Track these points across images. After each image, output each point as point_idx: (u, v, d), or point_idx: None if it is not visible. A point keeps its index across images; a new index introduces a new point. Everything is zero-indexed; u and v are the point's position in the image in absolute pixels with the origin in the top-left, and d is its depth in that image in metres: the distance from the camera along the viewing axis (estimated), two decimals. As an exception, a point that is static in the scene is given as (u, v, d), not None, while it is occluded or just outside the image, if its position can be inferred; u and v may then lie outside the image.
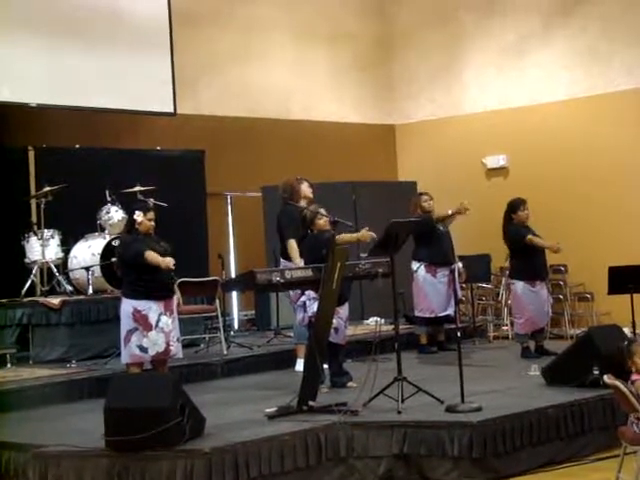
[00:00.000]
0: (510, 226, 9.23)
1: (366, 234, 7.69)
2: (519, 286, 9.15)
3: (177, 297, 7.42)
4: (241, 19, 12.42)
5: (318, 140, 12.71)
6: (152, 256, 7.06)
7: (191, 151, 11.55)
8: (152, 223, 7.31)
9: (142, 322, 7.09)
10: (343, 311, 7.61)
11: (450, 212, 9.62)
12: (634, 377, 5.23)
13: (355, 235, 7.76)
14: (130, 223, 7.35)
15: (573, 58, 12.24)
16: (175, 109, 11.27)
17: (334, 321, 7.17)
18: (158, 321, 7.13)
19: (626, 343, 5.39)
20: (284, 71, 12.78)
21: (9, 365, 8.83)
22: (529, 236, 9.06)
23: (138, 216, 7.25)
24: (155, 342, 7.11)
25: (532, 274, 9.11)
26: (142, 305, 7.10)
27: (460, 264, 9.38)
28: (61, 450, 5.99)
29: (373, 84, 13.78)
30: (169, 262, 7.02)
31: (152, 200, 9.66)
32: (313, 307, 7.22)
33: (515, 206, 9.25)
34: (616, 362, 5.43)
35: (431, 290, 9.59)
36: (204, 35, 11.99)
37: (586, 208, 11.84)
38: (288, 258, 8.41)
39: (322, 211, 7.77)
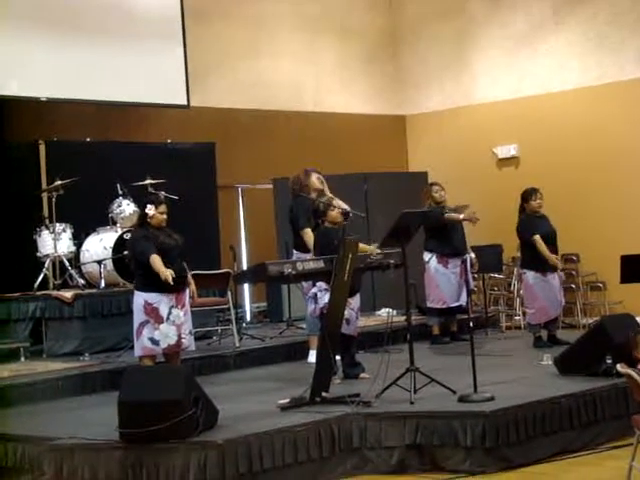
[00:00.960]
0: (521, 216, 9.21)
1: (373, 250, 7.52)
2: (530, 276, 9.13)
3: (192, 289, 7.41)
4: (251, 12, 12.41)
5: (329, 132, 12.70)
6: (155, 262, 7.04)
7: (202, 144, 11.55)
8: (164, 216, 7.32)
9: (153, 315, 7.11)
10: (354, 302, 7.61)
11: (461, 217, 9.55)
12: None
13: (370, 247, 7.58)
14: (142, 217, 7.36)
15: (583, 46, 12.18)
16: (189, 102, 11.28)
17: (345, 312, 7.17)
18: (169, 314, 7.14)
19: (633, 333, 5.37)
20: (294, 63, 12.77)
21: (23, 359, 8.88)
22: (536, 236, 9.02)
23: (150, 210, 7.26)
24: (166, 335, 7.13)
25: (543, 264, 9.08)
26: (153, 298, 7.12)
27: (472, 254, 9.36)
28: (75, 443, 6.02)
29: (383, 75, 13.76)
30: (168, 276, 7.00)
31: (163, 193, 9.66)
32: (324, 298, 7.22)
33: (527, 195, 9.23)
34: (627, 351, 5.42)
35: (443, 281, 9.58)
36: (215, 28, 11.99)
37: (597, 197, 11.81)
38: (301, 250, 8.41)
39: (335, 202, 7.76)
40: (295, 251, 8.62)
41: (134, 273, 7.43)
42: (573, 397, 6.59)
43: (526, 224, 9.14)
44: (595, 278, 11.78)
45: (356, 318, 7.74)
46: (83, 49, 10.42)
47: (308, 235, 8.31)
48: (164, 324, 7.12)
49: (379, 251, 7.44)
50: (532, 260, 9.13)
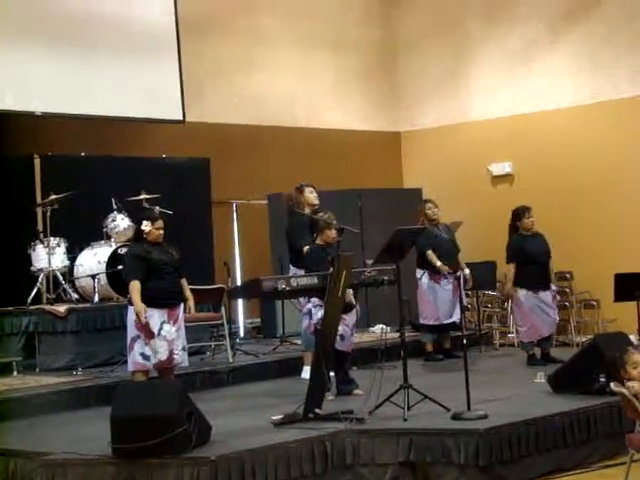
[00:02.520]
0: (512, 236, 9.24)
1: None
2: (522, 294, 9.15)
3: (189, 305, 7.40)
4: (246, 28, 12.44)
5: (323, 148, 12.71)
6: (133, 290, 7.08)
7: (196, 159, 11.56)
8: (160, 232, 7.33)
9: (144, 330, 7.11)
10: (350, 318, 7.61)
11: (438, 264, 9.48)
12: (628, 385, 5.21)
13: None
14: (138, 232, 7.37)
15: (578, 65, 12.23)
16: (184, 117, 11.29)
17: (340, 328, 7.17)
18: (160, 329, 7.14)
19: (618, 353, 5.36)
20: (289, 79, 12.80)
21: (15, 373, 8.85)
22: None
23: (146, 226, 7.28)
24: (157, 350, 7.13)
25: (535, 282, 9.10)
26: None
27: (467, 270, 9.37)
28: (68, 458, 6.00)
29: (378, 91, 13.79)
30: (141, 311, 7.01)
31: (158, 208, 9.68)
32: (318, 314, 7.22)
33: (519, 214, 9.25)
34: (614, 371, 5.41)
35: (435, 297, 9.60)
36: (209, 44, 12.01)
37: (592, 215, 11.83)
38: (297, 265, 8.41)
39: (330, 219, 7.76)
40: (291, 266, 8.62)
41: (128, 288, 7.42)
42: (567, 415, 6.59)
43: (514, 244, 9.17)
44: (589, 296, 11.78)
45: (351, 334, 7.74)
46: (78, 63, 10.43)
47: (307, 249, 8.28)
48: (154, 339, 7.12)
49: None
50: (523, 278, 9.14)
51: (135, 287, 7.09)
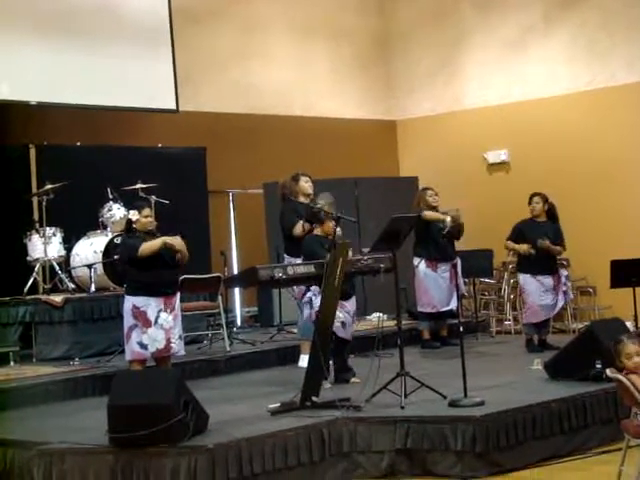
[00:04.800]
0: (519, 221, 9.29)
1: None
2: (527, 279, 9.19)
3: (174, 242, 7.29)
4: (241, 16, 12.42)
5: (319, 136, 12.70)
6: (147, 246, 7.06)
7: (192, 148, 11.55)
8: (149, 219, 7.32)
9: (141, 319, 7.12)
10: (350, 305, 7.62)
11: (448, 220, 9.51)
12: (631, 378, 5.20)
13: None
14: (128, 223, 7.37)
15: (574, 52, 12.22)
16: (177, 106, 11.27)
17: (341, 315, 7.19)
18: (157, 317, 7.14)
19: (613, 342, 5.36)
20: (285, 68, 12.77)
21: (12, 363, 8.84)
22: (507, 242, 9.28)
23: (133, 215, 7.29)
24: (154, 338, 7.13)
25: (538, 267, 9.14)
26: (141, 302, 7.13)
27: (458, 259, 9.40)
28: (65, 447, 6.00)
29: (374, 80, 13.77)
30: (167, 239, 6.99)
31: (154, 197, 9.69)
32: (318, 302, 7.22)
33: (529, 199, 9.30)
34: (610, 360, 5.41)
35: (432, 285, 9.60)
36: (205, 32, 11.99)
37: (588, 202, 11.84)
38: (292, 254, 8.40)
39: (329, 206, 7.71)
40: (286, 255, 8.61)
41: (124, 277, 7.42)
42: (563, 401, 6.60)
43: (514, 229, 9.21)
44: (585, 283, 11.81)
45: (352, 322, 7.74)
46: (73, 53, 10.41)
47: (298, 228, 8.25)
48: (152, 328, 7.13)
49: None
50: (527, 264, 9.20)
51: (145, 245, 7.06)
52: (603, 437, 6.63)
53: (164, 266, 7.23)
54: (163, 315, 7.17)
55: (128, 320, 7.17)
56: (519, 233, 9.27)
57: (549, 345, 9.08)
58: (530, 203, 9.31)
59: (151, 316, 7.13)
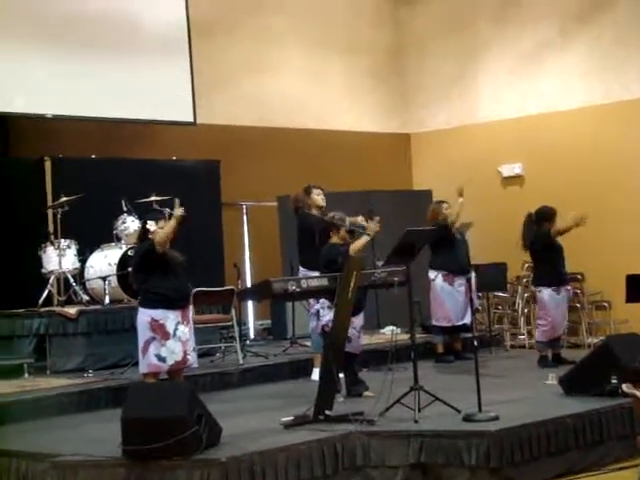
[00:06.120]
0: (537, 229, 9.17)
1: (373, 227, 7.56)
2: (546, 293, 9.11)
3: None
4: (256, 29, 12.45)
5: (333, 149, 12.71)
6: (160, 233, 7.07)
7: (206, 161, 11.57)
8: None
9: (160, 331, 7.10)
10: (357, 321, 7.59)
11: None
12: None
13: (364, 239, 7.63)
14: (143, 233, 7.37)
15: (588, 66, 12.20)
16: (195, 119, 11.30)
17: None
18: (176, 330, 7.14)
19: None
20: (299, 80, 12.80)
21: (27, 375, 8.85)
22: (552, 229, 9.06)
23: (151, 225, 7.28)
24: (173, 351, 7.12)
25: (557, 280, 9.10)
26: (159, 314, 7.11)
27: (473, 274, 9.36)
28: (78, 460, 6.00)
29: (388, 93, 13.78)
30: (180, 210, 7.05)
31: (168, 210, 9.66)
32: (327, 316, 7.21)
33: (552, 214, 9.17)
34: (633, 372, 5.38)
35: (449, 299, 9.58)
36: (219, 45, 12.03)
37: (603, 216, 11.76)
38: (307, 267, 8.39)
39: (343, 218, 7.74)
40: (301, 267, 8.61)
41: (139, 290, 7.42)
42: (578, 417, 6.56)
43: (543, 231, 9.11)
44: (600, 297, 11.75)
45: (358, 337, 7.72)
46: (89, 66, 10.46)
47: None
48: (170, 340, 7.11)
49: (378, 222, 7.39)
50: (547, 277, 9.12)
51: (159, 231, 7.09)
52: (619, 453, 6.58)
53: (180, 277, 7.24)
54: (181, 327, 7.17)
55: (145, 333, 7.14)
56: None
57: (564, 359, 9.03)
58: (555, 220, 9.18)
59: (170, 328, 7.11)
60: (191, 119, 11.30)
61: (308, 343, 9.46)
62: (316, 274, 7.75)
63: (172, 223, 7.16)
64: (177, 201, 7.23)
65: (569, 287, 9.35)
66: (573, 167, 12.06)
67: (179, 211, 7.16)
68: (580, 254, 9.40)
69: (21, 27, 10.09)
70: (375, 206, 11.63)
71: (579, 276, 11.77)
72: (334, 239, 7.76)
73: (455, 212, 9.62)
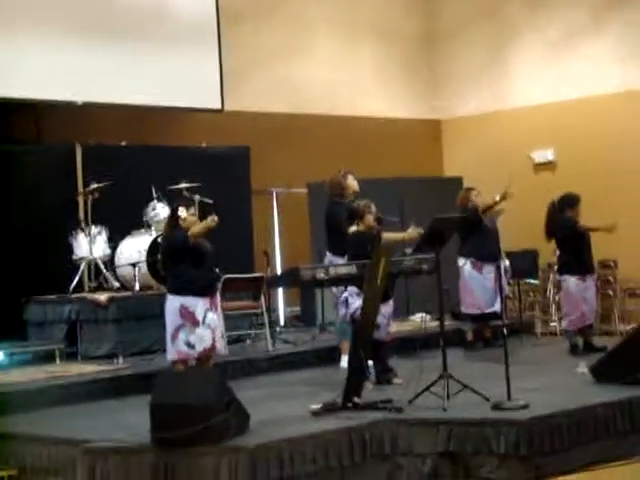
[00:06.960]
0: (562, 216, 9.09)
1: (412, 233, 7.64)
2: (571, 282, 9.04)
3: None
4: (286, 15, 12.43)
5: (363, 136, 12.66)
6: (196, 229, 7.09)
7: (236, 148, 11.57)
8: (194, 218, 7.35)
9: (189, 318, 7.12)
10: (385, 308, 7.57)
11: (497, 198, 9.44)
12: None
13: (401, 235, 7.71)
14: (174, 219, 7.39)
15: (622, 51, 12.06)
16: (223, 105, 11.30)
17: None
18: (205, 317, 7.16)
19: None
20: (329, 67, 12.76)
21: (58, 361, 8.93)
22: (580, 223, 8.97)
23: (182, 212, 7.30)
24: (202, 338, 7.15)
25: (583, 268, 9.02)
26: (189, 301, 7.14)
27: (507, 262, 9.30)
28: (108, 446, 6.03)
29: (419, 79, 13.70)
30: (214, 218, 7.07)
31: (198, 197, 9.71)
32: (355, 303, 7.20)
33: (574, 200, 9.10)
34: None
35: (477, 286, 9.52)
36: (249, 31, 12.01)
37: (636, 203, 11.66)
38: (336, 252, 8.39)
39: (372, 207, 7.76)
40: (328, 253, 8.61)
41: (168, 277, 7.45)
42: (609, 405, 6.50)
43: (569, 219, 9.04)
44: (633, 285, 11.63)
45: (387, 324, 7.70)
46: (118, 53, 10.49)
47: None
48: (200, 327, 7.14)
49: (420, 231, 7.44)
50: (572, 265, 9.05)
51: (195, 228, 7.13)
52: (651, 442, 6.52)
53: (210, 265, 7.26)
54: (210, 314, 7.19)
55: (174, 320, 7.16)
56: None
57: (595, 347, 8.95)
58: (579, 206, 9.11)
59: (199, 315, 7.14)
60: (219, 106, 11.29)
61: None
62: (342, 261, 7.75)
63: (207, 225, 7.14)
64: (214, 217, 7.19)
65: (595, 275, 9.23)
66: (606, 153, 11.94)
67: (214, 219, 7.14)
68: (613, 241, 9.30)
69: (52, 15, 10.12)
70: (405, 194, 11.69)
71: (612, 263, 11.66)
72: (360, 226, 7.74)
73: (486, 205, 9.51)
